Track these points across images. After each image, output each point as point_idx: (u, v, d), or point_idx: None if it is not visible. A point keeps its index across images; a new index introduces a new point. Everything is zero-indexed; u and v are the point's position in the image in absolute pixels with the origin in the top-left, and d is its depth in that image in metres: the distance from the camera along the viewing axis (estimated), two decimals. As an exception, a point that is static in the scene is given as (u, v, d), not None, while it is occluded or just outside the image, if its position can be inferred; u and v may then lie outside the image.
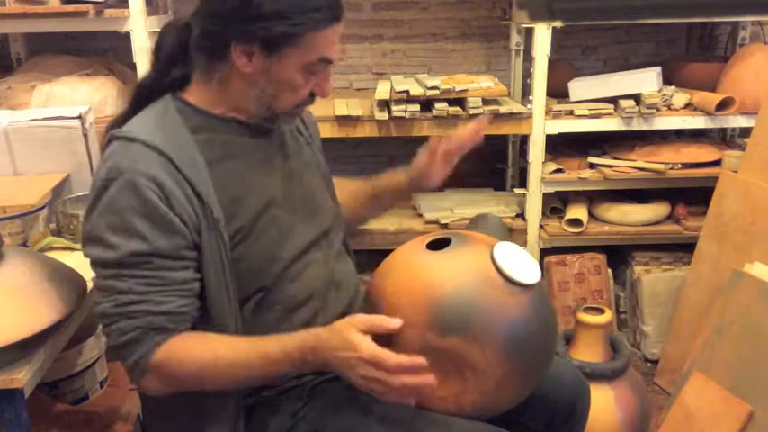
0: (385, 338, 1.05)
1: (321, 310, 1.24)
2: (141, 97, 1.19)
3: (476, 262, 1.08)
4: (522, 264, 1.09)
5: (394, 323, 1.03)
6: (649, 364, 2.45)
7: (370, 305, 1.14)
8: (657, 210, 2.51)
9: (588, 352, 1.87)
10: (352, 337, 1.00)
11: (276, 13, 1.06)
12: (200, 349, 1.08)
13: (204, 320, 1.12)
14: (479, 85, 2.34)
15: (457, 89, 2.31)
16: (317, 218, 1.27)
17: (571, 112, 2.40)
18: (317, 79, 1.14)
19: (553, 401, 1.26)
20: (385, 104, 2.35)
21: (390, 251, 1.19)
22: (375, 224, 2.36)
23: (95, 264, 1.09)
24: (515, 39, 2.69)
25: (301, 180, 1.27)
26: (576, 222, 2.47)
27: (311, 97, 1.17)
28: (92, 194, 1.09)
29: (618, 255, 2.61)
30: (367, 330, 1.02)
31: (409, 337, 1.04)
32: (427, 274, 1.08)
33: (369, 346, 0.99)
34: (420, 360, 0.99)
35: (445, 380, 1.05)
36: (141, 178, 1.05)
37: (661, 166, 2.39)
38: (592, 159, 2.50)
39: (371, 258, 1.69)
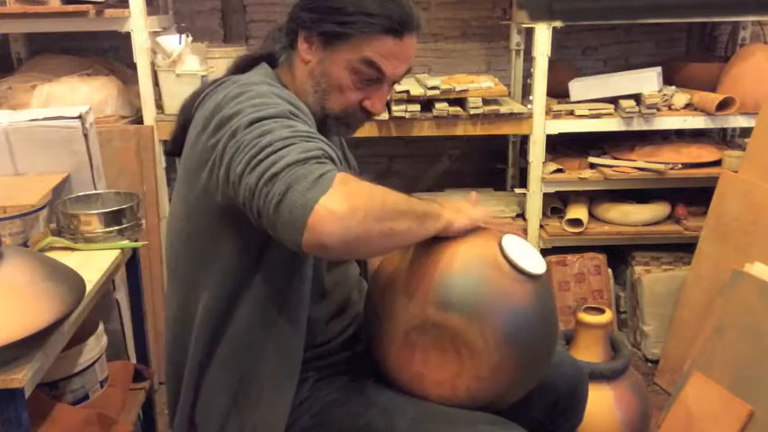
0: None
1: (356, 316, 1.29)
2: (242, 64, 1.25)
3: (485, 247, 1.10)
4: (529, 255, 1.11)
5: None
6: (649, 364, 2.45)
7: (377, 278, 1.16)
8: (658, 210, 2.51)
9: (588, 352, 1.87)
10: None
11: (335, 10, 1.14)
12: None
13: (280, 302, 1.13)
14: (479, 85, 2.34)
15: (457, 89, 2.31)
16: None
17: (571, 112, 2.40)
18: (369, 91, 1.19)
19: (554, 391, 1.27)
20: (385, 104, 2.35)
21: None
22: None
23: (258, 120, 1.01)
24: (515, 39, 2.69)
25: None
26: (576, 222, 2.47)
27: (364, 112, 1.22)
28: (232, 96, 1.07)
29: (618, 255, 2.61)
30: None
31: (411, 310, 1.07)
32: (436, 252, 1.10)
33: None
34: None
35: (442, 361, 1.08)
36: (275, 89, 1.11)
37: (661, 166, 2.39)
38: (592, 159, 2.50)
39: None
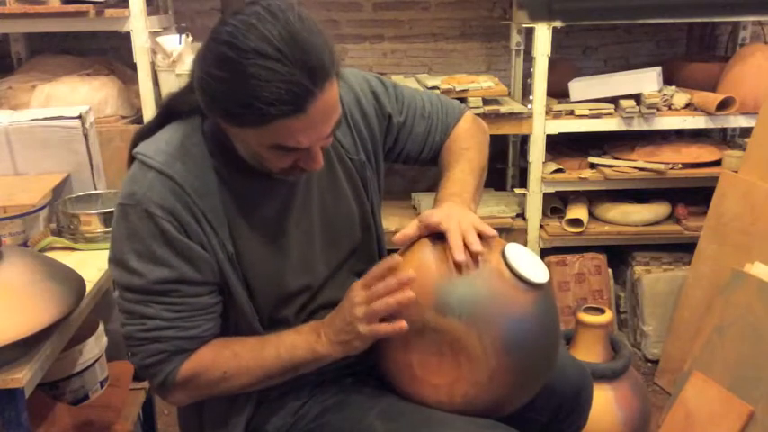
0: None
1: None
2: (169, 110, 1.16)
3: (488, 254, 1.10)
4: (532, 264, 1.10)
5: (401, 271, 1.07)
6: (649, 364, 2.45)
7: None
8: (658, 210, 2.51)
9: (588, 352, 1.87)
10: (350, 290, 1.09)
11: (218, 104, 0.98)
12: (221, 358, 1.10)
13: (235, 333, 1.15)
14: (480, 85, 2.34)
15: (457, 89, 2.31)
16: (335, 249, 1.24)
17: (571, 112, 2.40)
18: (299, 155, 1.03)
19: (558, 394, 1.27)
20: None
21: (392, 251, 1.20)
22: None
23: (120, 286, 1.09)
24: (515, 39, 2.68)
25: (324, 208, 1.22)
26: (576, 222, 2.47)
27: (302, 170, 1.07)
28: (114, 216, 1.09)
29: (618, 255, 2.61)
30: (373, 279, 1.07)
31: (410, 313, 1.06)
32: (439, 257, 1.09)
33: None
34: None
35: (440, 365, 1.07)
36: (156, 209, 1.04)
37: (661, 166, 2.39)
38: (592, 159, 2.50)
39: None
